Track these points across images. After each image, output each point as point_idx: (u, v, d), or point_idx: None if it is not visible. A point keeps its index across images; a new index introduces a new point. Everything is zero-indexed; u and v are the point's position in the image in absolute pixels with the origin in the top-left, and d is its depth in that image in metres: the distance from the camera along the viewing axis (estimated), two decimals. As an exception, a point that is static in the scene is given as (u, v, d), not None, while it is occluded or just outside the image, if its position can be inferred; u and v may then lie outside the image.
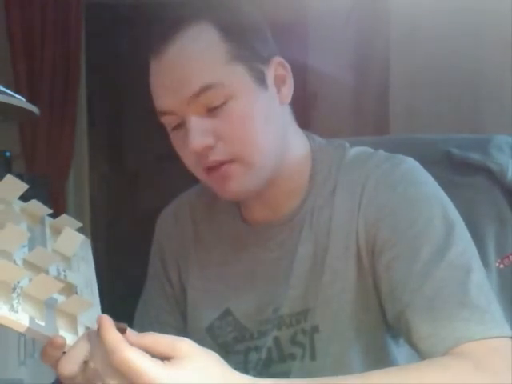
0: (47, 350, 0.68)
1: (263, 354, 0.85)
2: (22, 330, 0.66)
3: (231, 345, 0.87)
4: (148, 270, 0.99)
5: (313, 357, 0.83)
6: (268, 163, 0.81)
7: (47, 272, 0.75)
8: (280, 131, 0.83)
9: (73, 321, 0.73)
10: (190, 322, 0.92)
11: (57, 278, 0.76)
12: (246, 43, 0.79)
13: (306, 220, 0.84)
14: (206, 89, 0.76)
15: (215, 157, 0.78)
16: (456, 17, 1.91)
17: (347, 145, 0.88)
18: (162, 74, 0.79)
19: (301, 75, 2.69)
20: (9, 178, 0.78)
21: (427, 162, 0.92)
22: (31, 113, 2.03)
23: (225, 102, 0.77)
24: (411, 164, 0.83)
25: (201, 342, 0.87)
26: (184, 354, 0.60)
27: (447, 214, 0.77)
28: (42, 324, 0.68)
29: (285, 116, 0.85)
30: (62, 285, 0.73)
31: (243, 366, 0.87)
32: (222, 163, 0.78)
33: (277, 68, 0.82)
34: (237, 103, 0.77)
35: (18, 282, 0.71)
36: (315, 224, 0.83)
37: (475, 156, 0.99)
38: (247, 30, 0.81)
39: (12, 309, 0.66)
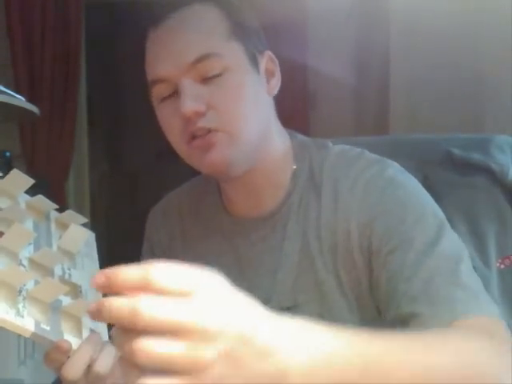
0: (51, 355, 0.69)
1: None
2: (27, 335, 0.66)
3: None
4: None
5: None
6: (252, 141, 0.82)
7: (52, 271, 0.75)
8: (265, 117, 0.85)
9: (77, 323, 0.73)
10: None
11: (61, 278, 0.76)
12: (245, 28, 0.83)
13: (291, 216, 0.85)
14: (205, 57, 0.78)
15: (204, 123, 0.79)
16: (456, 16, 1.91)
17: (330, 144, 0.89)
18: (163, 41, 0.80)
19: (301, 75, 2.68)
20: (15, 172, 0.78)
21: (428, 162, 0.92)
22: (31, 113, 2.03)
23: (220, 74, 0.79)
24: (397, 168, 0.84)
25: None
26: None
27: (436, 212, 0.79)
28: (47, 328, 0.68)
29: (270, 107, 0.87)
30: (67, 288, 0.73)
31: None
32: (208, 131, 0.79)
33: (267, 61, 0.86)
34: (232, 76, 0.79)
35: (24, 285, 0.71)
36: (302, 220, 0.84)
37: (476, 156, 0.99)
38: (246, 20, 0.84)
39: (18, 313, 0.66)
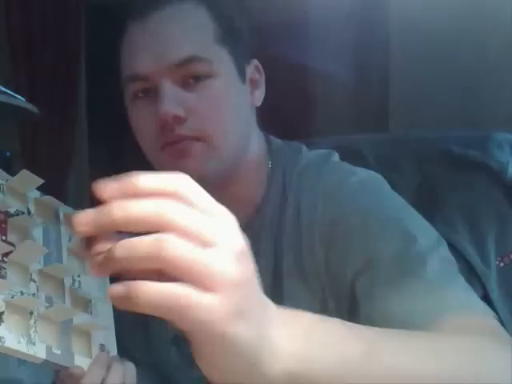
0: (64, 380, 0.69)
1: None
2: (38, 362, 0.67)
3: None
4: None
5: None
6: (231, 153, 0.77)
7: (62, 283, 0.75)
8: (246, 130, 0.81)
9: (87, 339, 0.74)
10: (155, 331, 0.91)
11: (71, 288, 0.76)
12: (234, 34, 0.78)
13: (263, 232, 0.80)
14: (191, 60, 0.73)
15: (182, 130, 0.73)
16: (456, 15, 1.91)
17: (304, 148, 0.85)
18: (146, 36, 0.74)
19: (301, 75, 2.68)
20: (24, 172, 0.78)
21: (427, 160, 0.92)
22: (31, 113, 2.03)
23: (205, 79, 0.74)
24: (360, 175, 0.79)
25: (166, 352, 0.86)
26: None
27: (401, 224, 0.73)
28: (58, 352, 0.68)
29: (252, 119, 0.83)
30: (78, 311, 0.73)
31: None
32: (184, 139, 0.74)
33: (253, 71, 0.81)
34: (216, 83, 0.75)
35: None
36: (274, 236, 0.80)
37: (475, 153, 0.99)
38: (236, 26, 0.79)
39: (29, 341, 0.66)
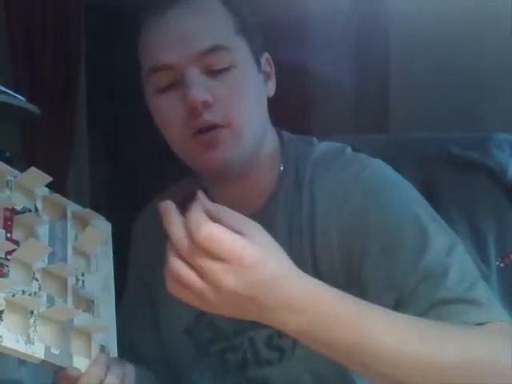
0: (61, 381, 0.70)
1: (239, 355, 0.85)
2: (36, 362, 0.66)
3: (207, 346, 0.87)
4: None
5: (290, 360, 0.81)
6: (253, 139, 0.81)
7: (66, 282, 0.75)
8: (265, 118, 0.85)
9: (87, 340, 0.74)
10: (167, 322, 0.92)
11: (75, 288, 0.76)
12: (248, 27, 0.82)
13: (278, 215, 0.83)
14: (217, 49, 0.76)
15: (210, 117, 0.76)
16: (456, 16, 1.91)
17: (315, 141, 0.88)
18: (170, 28, 0.77)
19: (300, 75, 2.68)
20: (32, 169, 0.78)
21: (427, 161, 0.92)
22: (31, 113, 2.03)
23: (228, 68, 0.77)
24: (377, 166, 0.82)
25: (177, 342, 0.87)
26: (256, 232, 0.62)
27: (419, 216, 0.76)
28: (57, 352, 0.68)
29: (266, 108, 0.86)
30: (79, 311, 0.73)
31: (221, 368, 0.86)
32: (213, 126, 0.77)
33: (265, 63, 0.85)
34: (238, 72, 0.78)
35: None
36: (289, 221, 0.82)
37: (475, 154, 0.99)
38: (249, 20, 0.84)
39: (28, 340, 0.66)
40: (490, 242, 0.96)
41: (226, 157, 0.78)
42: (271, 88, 0.86)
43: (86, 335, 0.74)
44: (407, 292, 0.71)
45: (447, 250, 0.73)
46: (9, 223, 0.73)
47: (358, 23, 2.50)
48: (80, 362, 0.70)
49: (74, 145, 2.90)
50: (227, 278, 0.56)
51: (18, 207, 0.75)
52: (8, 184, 0.76)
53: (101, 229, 0.84)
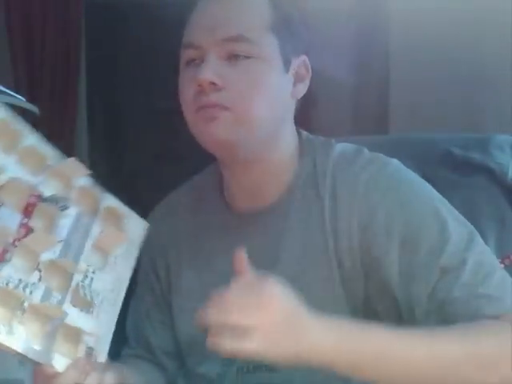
0: (37, 378, 0.69)
1: None
2: (13, 354, 0.66)
3: None
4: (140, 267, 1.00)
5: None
6: (262, 128, 0.83)
7: (72, 277, 0.74)
8: (280, 115, 0.86)
9: (75, 340, 0.72)
10: (183, 315, 0.92)
11: (77, 285, 0.74)
12: (287, 25, 0.84)
13: (293, 211, 0.85)
14: (238, 39, 0.80)
15: (215, 98, 0.80)
16: (456, 16, 1.91)
17: (333, 141, 0.90)
18: (207, 11, 0.83)
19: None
20: (71, 160, 0.78)
21: (427, 162, 0.92)
22: (31, 113, 2.03)
23: (248, 57, 0.80)
24: (396, 165, 0.84)
25: (192, 336, 0.87)
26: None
27: (438, 212, 0.79)
28: (37, 349, 0.67)
29: (290, 108, 0.88)
30: (67, 313, 0.72)
31: (229, 362, 0.86)
32: (215, 106, 0.80)
33: (300, 65, 0.87)
34: (257, 64, 0.81)
35: (31, 292, 0.70)
36: (305, 217, 0.84)
37: (476, 155, 0.99)
38: (292, 17, 0.86)
39: (10, 331, 0.65)
40: (489, 243, 0.96)
41: (225, 136, 0.81)
42: (300, 90, 0.87)
43: (75, 336, 0.72)
44: (425, 288, 0.75)
45: (466, 242, 0.76)
46: (29, 209, 0.73)
47: (359, 22, 2.50)
48: (60, 362, 0.69)
49: (74, 145, 2.90)
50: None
51: (47, 193, 0.75)
52: (47, 169, 0.76)
53: (129, 229, 0.83)
